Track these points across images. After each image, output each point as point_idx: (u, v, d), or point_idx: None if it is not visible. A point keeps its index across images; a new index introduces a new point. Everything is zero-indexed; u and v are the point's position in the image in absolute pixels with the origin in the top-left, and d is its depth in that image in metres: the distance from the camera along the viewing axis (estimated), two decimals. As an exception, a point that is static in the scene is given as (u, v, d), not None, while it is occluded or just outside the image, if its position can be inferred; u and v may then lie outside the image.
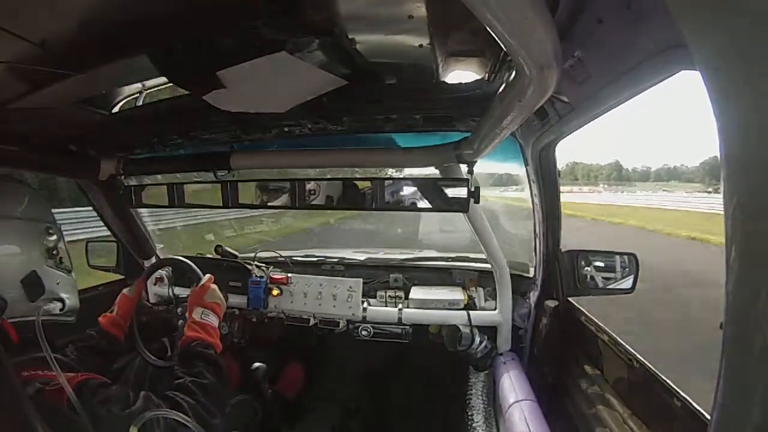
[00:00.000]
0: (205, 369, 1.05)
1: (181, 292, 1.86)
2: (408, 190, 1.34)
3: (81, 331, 1.20)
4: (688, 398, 0.96)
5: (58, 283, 1.00)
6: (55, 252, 1.01)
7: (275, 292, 1.80)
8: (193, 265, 1.48)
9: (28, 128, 1.26)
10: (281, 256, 2.04)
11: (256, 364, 1.77)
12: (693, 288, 6.28)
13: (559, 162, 1.36)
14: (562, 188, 1.49)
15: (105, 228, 1.98)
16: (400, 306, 1.75)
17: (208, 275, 1.37)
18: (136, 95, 1.34)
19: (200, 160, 1.55)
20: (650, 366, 1.12)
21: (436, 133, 1.34)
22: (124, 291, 1.39)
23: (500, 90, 0.83)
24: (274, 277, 1.83)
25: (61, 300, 1.01)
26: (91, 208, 1.87)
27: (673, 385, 1.02)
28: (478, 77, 1.05)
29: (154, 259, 2.05)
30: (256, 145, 1.54)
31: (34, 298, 0.94)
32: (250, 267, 1.84)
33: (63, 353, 1.05)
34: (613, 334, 1.32)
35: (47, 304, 0.97)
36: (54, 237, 1.01)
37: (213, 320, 1.22)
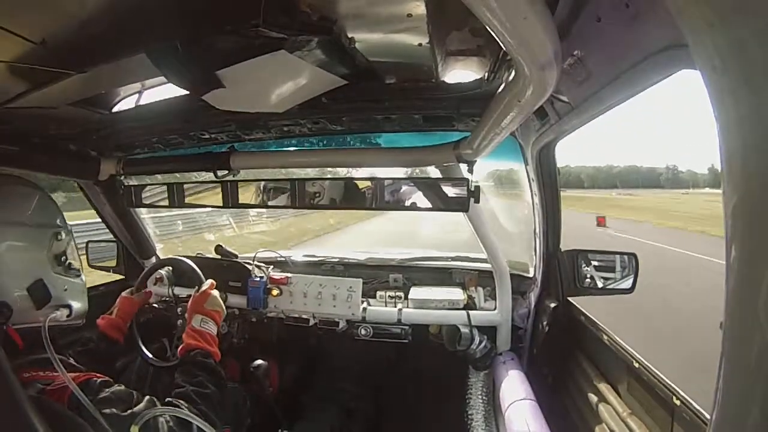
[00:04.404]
0: (206, 379, 1.05)
1: (181, 291, 1.86)
2: (408, 190, 1.34)
3: (80, 330, 1.19)
4: (687, 397, 0.96)
5: (65, 290, 0.99)
6: (63, 258, 0.99)
7: (275, 292, 1.79)
8: (194, 266, 1.47)
9: (28, 128, 1.26)
10: (281, 256, 2.04)
11: (258, 362, 1.76)
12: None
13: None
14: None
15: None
16: (399, 306, 1.75)
17: (209, 281, 1.36)
18: (136, 95, 1.34)
19: (200, 159, 1.55)
20: (650, 365, 1.12)
21: (435, 132, 1.34)
22: (124, 293, 1.39)
23: (500, 89, 0.83)
24: (274, 277, 1.82)
25: (68, 306, 0.99)
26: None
27: (672, 385, 1.02)
28: (478, 77, 1.05)
29: (154, 259, 2.05)
30: (256, 145, 1.54)
31: (41, 306, 0.93)
32: (249, 267, 1.84)
33: (62, 357, 1.05)
34: (613, 334, 1.32)
35: (54, 312, 0.95)
36: (62, 241, 0.99)
37: (212, 328, 1.23)
